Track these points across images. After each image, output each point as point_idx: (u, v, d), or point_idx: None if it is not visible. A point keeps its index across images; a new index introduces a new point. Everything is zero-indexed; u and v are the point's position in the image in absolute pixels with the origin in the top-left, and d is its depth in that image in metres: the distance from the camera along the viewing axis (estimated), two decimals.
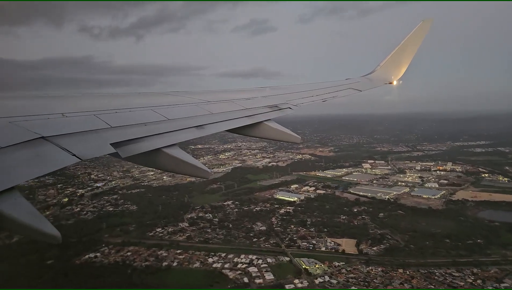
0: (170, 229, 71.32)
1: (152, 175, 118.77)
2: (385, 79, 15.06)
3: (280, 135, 6.88)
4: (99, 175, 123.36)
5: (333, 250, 59.47)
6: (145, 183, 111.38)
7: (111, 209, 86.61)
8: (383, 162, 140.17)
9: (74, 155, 3.46)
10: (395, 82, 15.30)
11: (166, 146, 4.52)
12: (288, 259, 56.56)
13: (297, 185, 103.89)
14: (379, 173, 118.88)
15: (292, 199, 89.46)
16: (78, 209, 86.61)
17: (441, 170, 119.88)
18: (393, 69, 15.52)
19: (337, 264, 54.44)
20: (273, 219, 75.04)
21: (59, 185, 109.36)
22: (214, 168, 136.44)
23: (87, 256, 59.94)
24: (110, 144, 4.02)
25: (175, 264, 56.69)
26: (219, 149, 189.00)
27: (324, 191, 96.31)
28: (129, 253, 60.73)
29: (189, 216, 79.53)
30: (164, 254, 60.09)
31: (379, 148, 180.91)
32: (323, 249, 60.02)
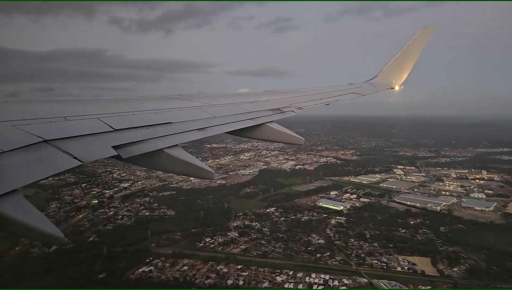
0: (220, 240, 66.30)
1: (178, 175, 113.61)
2: (387, 84, 15.26)
3: (282, 137, 6.84)
4: (122, 175, 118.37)
5: (411, 271, 54.61)
6: (174, 185, 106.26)
7: (147, 213, 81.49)
8: (413, 168, 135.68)
9: (76, 158, 3.44)
10: (397, 88, 15.48)
11: (167, 147, 4.51)
12: (365, 280, 51.65)
13: (336, 192, 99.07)
14: (416, 181, 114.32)
15: (338, 208, 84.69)
16: (112, 212, 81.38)
17: (479, 179, 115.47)
18: (395, 74, 15.72)
19: (423, 288, 49.60)
20: (328, 231, 70.19)
21: (83, 185, 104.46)
22: (239, 169, 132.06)
23: (140, 270, 54.84)
24: (112, 146, 3.99)
25: (241, 282, 51.67)
26: (237, 148, 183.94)
27: (368, 200, 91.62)
28: (185, 268, 55.66)
29: (235, 224, 74.59)
30: (225, 270, 55.07)
31: (402, 153, 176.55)
32: (399, 269, 55.14)
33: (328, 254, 59.92)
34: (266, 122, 6.92)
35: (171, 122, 5.40)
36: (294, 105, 8.93)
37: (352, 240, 65.68)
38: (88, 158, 3.57)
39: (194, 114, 6.20)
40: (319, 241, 65.21)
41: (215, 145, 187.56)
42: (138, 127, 4.80)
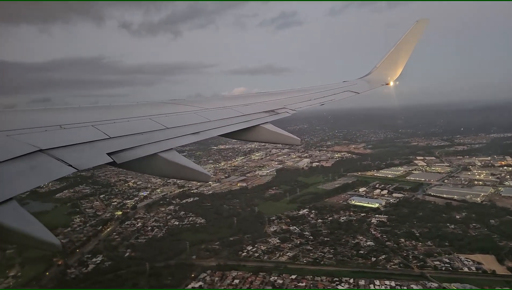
0: (262, 247, 62.55)
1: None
2: (382, 80, 15.12)
3: (277, 138, 6.78)
4: (138, 183, 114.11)
5: (480, 271, 51.15)
6: (195, 190, 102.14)
7: (176, 223, 77.52)
8: (433, 158, 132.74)
9: (71, 165, 3.43)
10: (391, 83, 15.33)
11: (162, 151, 4.46)
12: (435, 285, 48.12)
13: (365, 189, 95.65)
14: (442, 171, 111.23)
15: (373, 205, 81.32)
16: (140, 224, 77.29)
17: (506, 166, 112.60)
18: (390, 70, 15.61)
19: (500, 289, 46.26)
20: (373, 231, 66.68)
21: (101, 196, 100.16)
22: (256, 170, 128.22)
23: (190, 286, 51.00)
24: (107, 153, 3.97)
25: None
26: (245, 149, 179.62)
27: (401, 195, 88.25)
28: (236, 281, 51.89)
29: (272, 229, 70.88)
30: (279, 281, 51.36)
31: (415, 143, 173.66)
32: (466, 269, 51.72)
33: (384, 257, 56.34)
34: (261, 124, 6.83)
35: (166, 127, 5.33)
36: (289, 106, 8.84)
37: (403, 239, 62.23)
38: (83, 165, 3.51)
39: (189, 119, 6.19)
40: (368, 243, 61.70)
41: (222, 147, 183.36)
42: (134, 133, 4.75)
